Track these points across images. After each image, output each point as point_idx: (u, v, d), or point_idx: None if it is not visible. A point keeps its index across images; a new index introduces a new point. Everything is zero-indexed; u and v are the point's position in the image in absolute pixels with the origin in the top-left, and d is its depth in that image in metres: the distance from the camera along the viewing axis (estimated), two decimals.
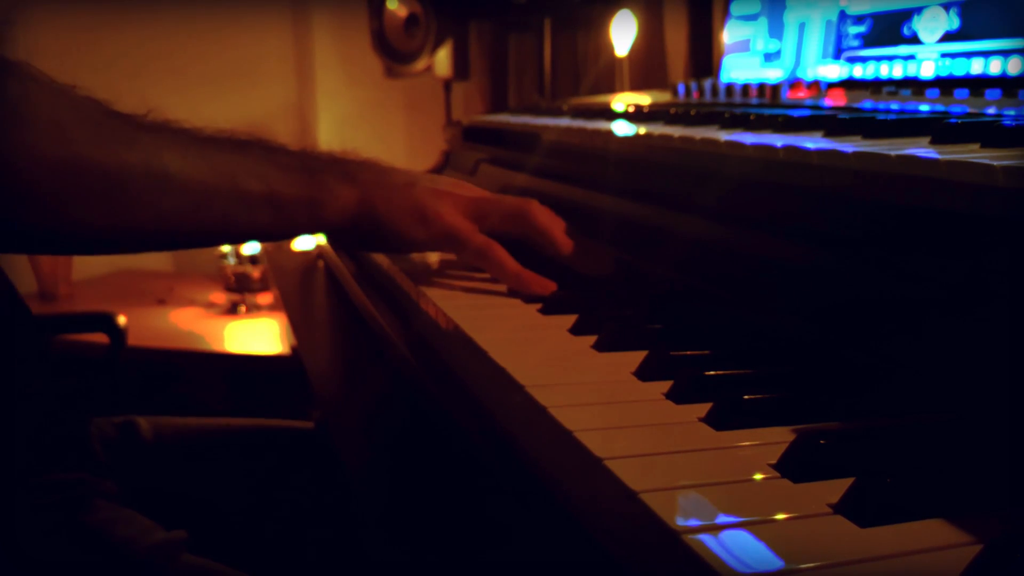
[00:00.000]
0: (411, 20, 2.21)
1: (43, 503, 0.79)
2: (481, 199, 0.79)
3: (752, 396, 0.47)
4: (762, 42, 1.23)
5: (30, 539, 0.77)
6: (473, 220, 0.77)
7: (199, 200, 0.68)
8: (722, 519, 0.37)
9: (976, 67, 0.90)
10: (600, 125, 0.95)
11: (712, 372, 0.51)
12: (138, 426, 1.04)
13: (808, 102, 0.99)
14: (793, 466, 0.41)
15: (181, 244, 0.73)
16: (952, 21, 0.93)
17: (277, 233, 0.75)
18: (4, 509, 0.78)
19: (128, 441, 1.02)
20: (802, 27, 1.16)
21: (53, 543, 0.79)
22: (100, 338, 1.82)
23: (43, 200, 0.62)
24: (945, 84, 0.90)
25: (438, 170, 1.47)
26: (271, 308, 2.47)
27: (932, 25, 0.95)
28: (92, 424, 0.99)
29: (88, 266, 2.68)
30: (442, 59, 2.23)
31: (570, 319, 0.66)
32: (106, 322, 1.79)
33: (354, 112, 2.89)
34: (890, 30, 1.01)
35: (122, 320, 1.80)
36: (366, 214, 0.74)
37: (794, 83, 1.08)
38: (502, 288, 0.77)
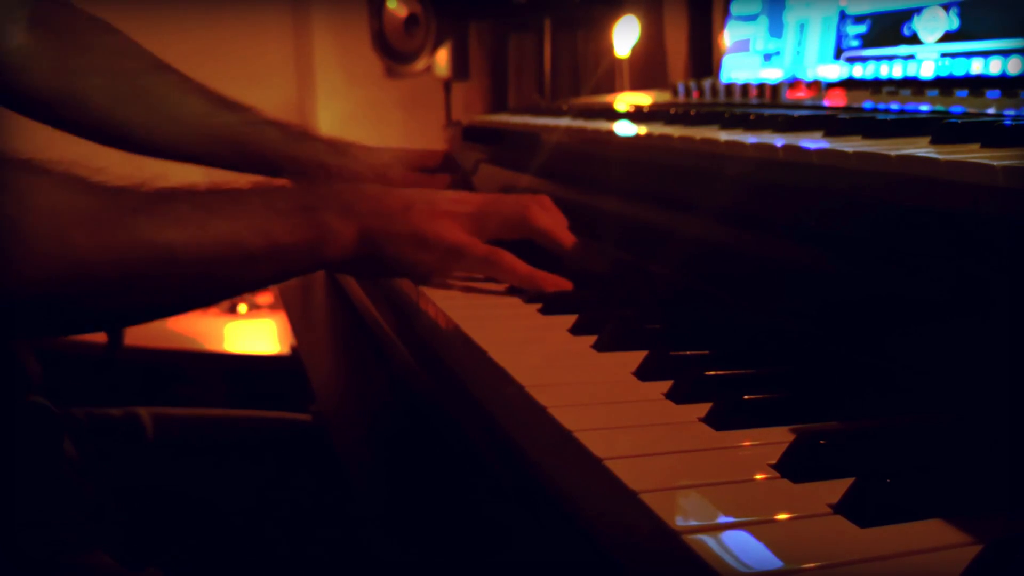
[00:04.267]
0: (411, 20, 2.21)
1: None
2: (479, 212, 0.77)
3: (752, 396, 0.47)
4: (762, 42, 1.23)
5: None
6: (474, 233, 0.76)
7: (206, 271, 0.67)
8: (722, 519, 0.37)
9: (976, 67, 0.90)
10: (600, 125, 0.95)
11: (712, 372, 0.51)
12: (140, 417, 1.04)
13: (808, 102, 0.99)
14: (793, 466, 0.41)
15: (191, 309, 0.73)
16: (952, 21, 0.93)
17: (282, 279, 0.75)
18: (4, 509, 0.78)
19: (129, 433, 1.02)
20: (802, 27, 1.16)
21: None
22: (99, 336, 1.82)
23: (45, 307, 0.61)
24: (945, 84, 0.90)
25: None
26: (271, 308, 2.47)
27: (932, 25, 0.95)
28: (71, 420, 0.98)
29: None
30: (442, 59, 2.23)
31: (570, 319, 0.66)
32: None
33: (354, 112, 2.89)
34: (890, 30, 1.01)
35: None
36: (367, 247, 0.73)
37: (794, 83, 1.07)
38: (502, 288, 0.77)
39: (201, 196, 0.68)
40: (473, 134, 1.35)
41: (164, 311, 0.71)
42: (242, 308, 2.45)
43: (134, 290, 0.64)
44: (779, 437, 0.44)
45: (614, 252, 0.82)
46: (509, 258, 0.75)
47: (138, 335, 2.02)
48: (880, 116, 0.69)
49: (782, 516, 0.37)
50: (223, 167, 1.14)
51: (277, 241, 0.69)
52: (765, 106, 0.97)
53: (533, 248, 0.78)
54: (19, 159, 0.61)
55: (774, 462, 0.42)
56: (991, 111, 0.73)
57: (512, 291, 0.76)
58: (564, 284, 0.75)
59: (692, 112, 0.88)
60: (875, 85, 1.00)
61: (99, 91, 1.06)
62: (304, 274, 0.76)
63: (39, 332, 0.69)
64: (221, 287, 0.71)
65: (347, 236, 0.72)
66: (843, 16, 1.08)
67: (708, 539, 0.35)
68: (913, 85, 0.94)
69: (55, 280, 0.60)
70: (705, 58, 1.66)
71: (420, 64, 2.22)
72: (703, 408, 0.48)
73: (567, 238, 0.79)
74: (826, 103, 0.94)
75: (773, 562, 0.33)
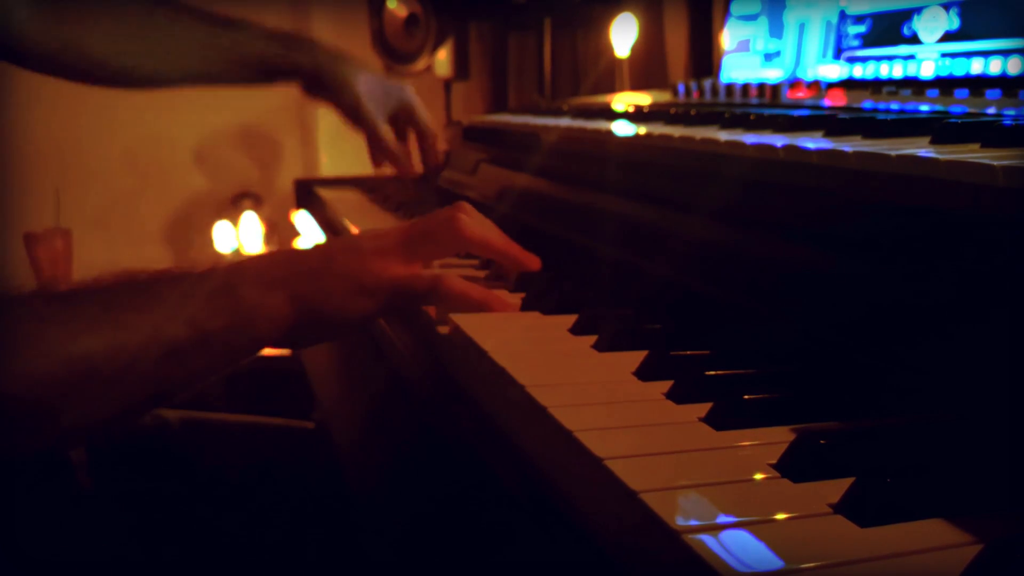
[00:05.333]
0: (411, 20, 2.21)
1: None
2: (406, 239, 0.70)
3: (752, 396, 0.47)
4: (762, 42, 1.23)
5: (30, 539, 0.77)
6: (409, 262, 0.70)
7: (133, 373, 0.61)
8: (722, 519, 0.37)
9: (976, 67, 0.90)
10: (600, 125, 0.95)
11: (712, 372, 0.51)
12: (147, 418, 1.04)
13: (808, 102, 0.99)
14: (793, 466, 0.41)
15: (142, 413, 0.66)
16: (952, 21, 0.93)
17: (220, 370, 0.67)
18: (4, 510, 0.78)
19: (130, 430, 1.02)
20: (802, 27, 1.16)
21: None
22: None
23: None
24: (945, 84, 0.90)
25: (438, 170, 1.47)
26: None
27: (932, 25, 0.95)
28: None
29: (88, 266, 2.68)
30: (442, 59, 2.23)
31: (570, 319, 0.66)
32: None
33: None
34: (890, 30, 1.01)
35: None
36: (303, 314, 0.66)
37: (794, 83, 1.07)
38: (501, 288, 0.77)
39: (107, 292, 0.63)
40: (473, 134, 1.35)
41: (99, 425, 0.65)
42: None
43: (56, 412, 0.58)
44: (779, 437, 0.44)
45: (614, 252, 0.82)
46: (456, 283, 0.69)
47: None
48: (880, 116, 0.69)
49: (782, 516, 0.37)
50: (226, 84, 1.13)
51: (202, 328, 0.63)
52: (765, 106, 0.97)
53: None
54: None
55: (774, 462, 0.42)
56: (991, 111, 0.73)
57: (512, 291, 0.76)
58: (511, 304, 0.70)
59: (692, 112, 0.88)
60: (875, 85, 1.00)
61: (100, 39, 1.05)
62: (247, 359, 0.68)
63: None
64: (152, 390, 0.64)
65: (278, 306, 0.66)
66: (843, 16, 1.08)
67: (708, 539, 0.35)
68: (913, 85, 0.94)
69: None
70: (705, 58, 1.66)
71: (420, 64, 2.22)
72: (703, 408, 0.48)
73: (504, 242, 0.74)
74: (826, 103, 0.94)
75: (773, 562, 0.33)
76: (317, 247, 0.71)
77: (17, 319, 0.59)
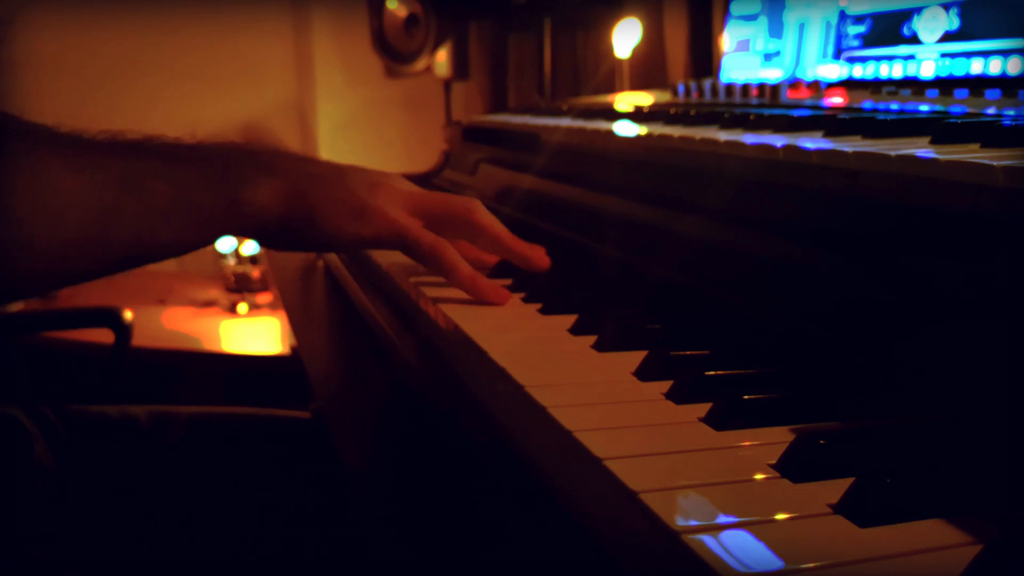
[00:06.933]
0: (411, 20, 2.21)
1: None
2: (421, 194, 0.71)
3: (752, 396, 0.47)
4: (762, 42, 1.23)
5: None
6: (414, 214, 0.70)
7: (105, 219, 0.58)
8: (722, 519, 0.37)
9: (976, 67, 0.90)
10: (600, 125, 0.95)
11: (712, 372, 0.51)
12: (136, 416, 1.03)
13: (808, 102, 0.99)
14: (793, 466, 0.41)
15: (90, 275, 0.63)
16: (952, 21, 0.93)
17: (196, 242, 0.65)
18: (4, 510, 0.78)
19: (125, 432, 1.01)
20: (802, 27, 1.16)
21: None
22: (104, 335, 1.81)
23: None
24: (945, 84, 0.90)
25: (438, 170, 1.47)
26: (271, 308, 2.47)
27: (932, 25, 0.95)
28: (44, 418, 0.97)
29: None
30: (442, 59, 2.23)
31: (570, 319, 0.66)
32: (111, 317, 1.73)
33: (354, 112, 2.89)
34: (890, 30, 1.01)
35: (128, 315, 1.74)
36: (296, 210, 0.65)
37: (794, 83, 1.07)
38: (502, 288, 0.77)
39: (110, 143, 0.62)
40: (473, 134, 1.35)
41: (57, 277, 0.63)
42: (242, 308, 2.45)
43: (19, 239, 0.56)
44: (779, 437, 0.44)
45: (614, 251, 0.82)
46: (453, 254, 0.69)
47: (138, 335, 2.01)
48: (880, 116, 0.69)
49: (782, 516, 0.37)
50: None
51: (183, 188, 0.61)
52: (765, 106, 0.97)
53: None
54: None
55: (774, 462, 0.42)
56: (991, 111, 0.73)
57: (513, 290, 0.76)
58: (505, 295, 0.70)
59: (692, 112, 0.88)
60: (875, 85, 1.00)
61: None
62: (219, 237, 0.66)
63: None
64: (122, 244, 0.61)
65: (270, 195, 0.64)
66: (843, 16, 1.08)
67: (708, 539, 0.35)
68: (913, 85, 0.94)
69: None
70: (705, 58, 1.66)
71: (420, 64, 2.22)
72: (703, 408, 0.48)
73: (509, 239, 0.74)
74: (826, 103, 0.94)
75: (773, 562, 0.33)
76: (331, 162, 0.70)
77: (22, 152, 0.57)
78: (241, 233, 0.66)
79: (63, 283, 0.66)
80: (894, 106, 0.83)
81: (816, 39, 1.13)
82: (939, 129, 0.60)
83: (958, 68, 0.92)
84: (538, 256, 0.75)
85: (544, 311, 0.70)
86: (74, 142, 0.60)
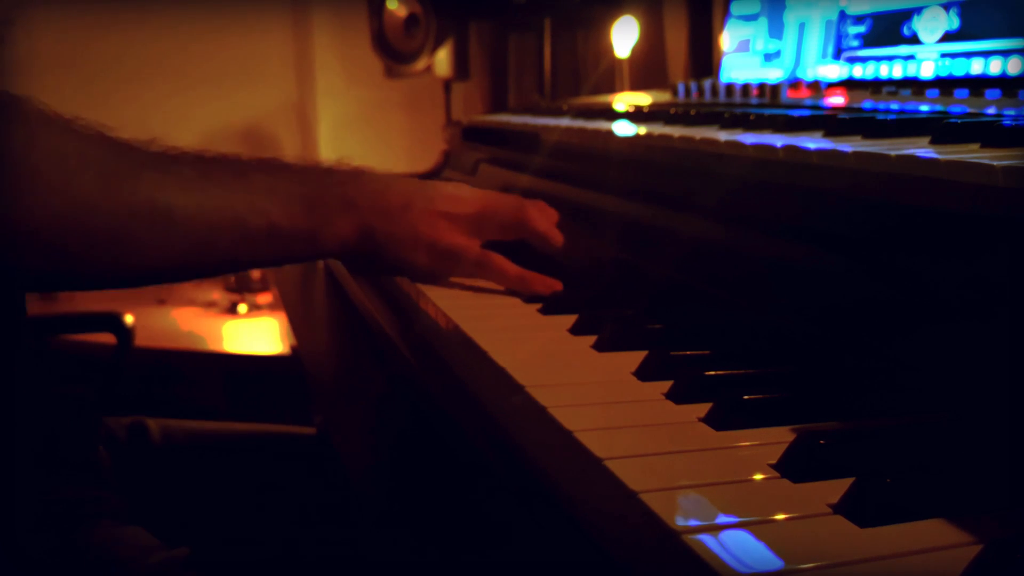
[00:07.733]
0: (411, 20, 2.21)
1: (46, 520, 0.79)
2: (477, 215, 0.77)
3: (752, 396, 0.47)
4: (762, 42, 1.23)
5: (32, 555, 0.77)
6: (471, 235, 0.77)
7: (204, 239, 0.67)
8: (722, 519, 0.37)
9: (976, 67, 0.90)
10: (600, 125, 0.95)
11: (712, 372, 0.51)
12: (147, 428, 1.04)
13: (808, 102, 0.99)
14: (793, 466, 0.41)
15: (183, 279, 0.73)
16: (952, 21, 0.93)
17: (276, 263, 0.76)
18: (4, 510, 0.78)
19: (137, 443, 1.02)
20: (802, 27, 1.16)
21: (54, 561, 0.79)
22: (106, 338, 1.81)
23: (43, 247, 0.60)
24: (945, 84, 0.90)
25: (438, 170, 1.47)
26: (271, 308, 2.47)
27: (932, 25, 0.95)
28: (101, 427, 0.99)
29: None
30: (442, 59, 2.23)
31: (570, 319, 0.66)
32: (113, 322, 1.77)
33: (354, 112, 2.89)
34: (890, 30, 1.01)
35: (129, 319, 1.77)
36: (365, 244, 0.74)
37: (794, 83, 1.07)
38: (502, 288, 0.77)
39: (207, 163, 0.68)
40: (473, 134, 1.35)
41: (156, 279, 0.71)
42: (242, 308, 2.45)
43: (129, 248, 0.63)
44: (779, 437, 0.44)
45: (614, 252, 0.82)
46: (499, 261, 0.76)
47: (138, 335, 2.02)
48: (880, 116, 0.69)
49: (782, 516, 0.37)
50: None
51: (275, 224, 0.69)
52: (765, 106, 0.97)
53: (519, 246, 0.79)
54: (35, 105, 0.61)
55: (774, 462, 0.42)
56: (991, 111, 0.73)
57: (512, 291, 0.76)
58: (555, 285, 0.75)
59: (692, 112, 0.88)
60: (875, 85, 1.00)
61: None
62: (300, 262, 0.77)
63: (25, 280, 0.67)
64: (214, 261, 0.70)
65: (346, 231, 0.72)
66: (843, 16, 1.08)
67: (708, 539, 0.35)
68: (913, 85, 0.94)
69: (51, 221, 0.59)
70: (705, 58, 1.66)
71: (420, 64, 2.22)
72: (703, 408, 0.48)
73: (559, 239, 0.80)
74: (826, 103, 0.94)
75: (773, 562, 0.33)
76: (401, 187, 0.76)
77: (118, 158, 0.64)
78: (316, 259, 0.77)
79: (161, 282, 0.74)
80: (894, 106, 0.83)
81: (816, 39, 1.13)
82: (939, 129, 0.60)
83: (958, 68, 0.92)
84: (589, 259, 0.82)
85: (544, 311, 0.70)
86: (190, 165, 0.67)
